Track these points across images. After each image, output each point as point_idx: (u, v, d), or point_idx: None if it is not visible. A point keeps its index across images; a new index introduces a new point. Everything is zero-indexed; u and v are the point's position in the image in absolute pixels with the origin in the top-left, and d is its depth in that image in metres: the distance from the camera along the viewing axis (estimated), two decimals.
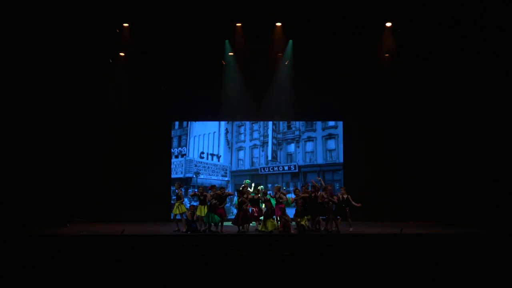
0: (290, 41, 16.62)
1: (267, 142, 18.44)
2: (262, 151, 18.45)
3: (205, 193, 14.20)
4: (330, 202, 13.75)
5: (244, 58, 17.11)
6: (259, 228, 13.98)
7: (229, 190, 17.25)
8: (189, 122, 18.49)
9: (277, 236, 12.81)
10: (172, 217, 14.95)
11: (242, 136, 18.63)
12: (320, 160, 18.21)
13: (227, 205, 16.32)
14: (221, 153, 18.56)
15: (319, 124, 18.34)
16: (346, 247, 7.90)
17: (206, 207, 13.94)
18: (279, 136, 18.49)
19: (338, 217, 13.97)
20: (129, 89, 17.19)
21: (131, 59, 16.82)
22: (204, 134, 18.62)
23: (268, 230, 13.63)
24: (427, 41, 15.78)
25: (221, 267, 6.50)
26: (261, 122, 18.50)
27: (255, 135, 18.57)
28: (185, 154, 18.41)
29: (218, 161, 18.52)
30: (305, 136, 18.36)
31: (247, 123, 18.62)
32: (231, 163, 18.53)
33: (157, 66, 17.10)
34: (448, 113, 16.66)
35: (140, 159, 17.59)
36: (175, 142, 18.53)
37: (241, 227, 13.94)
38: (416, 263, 6.82)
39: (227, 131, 18.60)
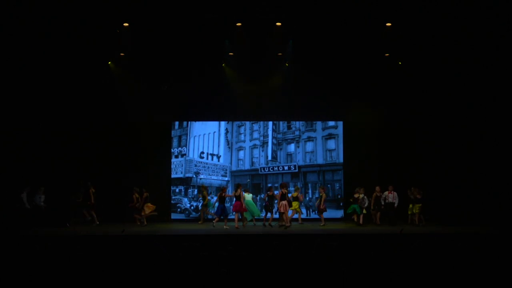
0: (290, 41, 16.60)
1: (267, 142, 18.44)
2: (262, 151, 18.46)
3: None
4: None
5: (244, 58, 17.10)
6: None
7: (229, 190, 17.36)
8: (189, 122, 18.50)
9: (277, 236, 12.82)
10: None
11: (242, 136, 18.63)
12: (320, 160, 18.22)
13: (227, 205, 16.38)
14: (221, 153, 18.56)
15: (319, 124, 18.34)
16: (346, 247, 7.90)
17: None
18: (279, 136, 18.49)
19: None
20: (129, 89, 17.21)
21: (131, 59, 16.83)
22: (204, 134, 18.62)
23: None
24: (427, 42, 15.75)
25: (221, 267, 6.50)
26: (261, 122, 18.50)
27: (255, 135, 18.57)
28: (185, 154, 18.42)
29: (218, 161, 18.52)
30: (305, 136, 18.36)
31: (247, 123, 18.63)
32: (231, 163, 18.54)
33: (157, 66, 17.12)
34: (448, 113, 16.67)
35: (140, 159, 17.60)
36: (175, 142, 18.53)
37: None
38: (416, 263, 6.82)
39: (227, 131, 18.60)
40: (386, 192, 16.15)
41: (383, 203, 16.05)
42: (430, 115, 17.04)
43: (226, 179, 18.32)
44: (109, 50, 16.39)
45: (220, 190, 16.07)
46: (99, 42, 15.68)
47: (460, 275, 6.39)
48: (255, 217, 16.50)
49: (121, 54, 16.72)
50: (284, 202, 15.27)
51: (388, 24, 14.94)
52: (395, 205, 16.01)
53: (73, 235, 13.06)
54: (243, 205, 15.65)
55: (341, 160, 18.07)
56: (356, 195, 16.22)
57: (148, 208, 16.05)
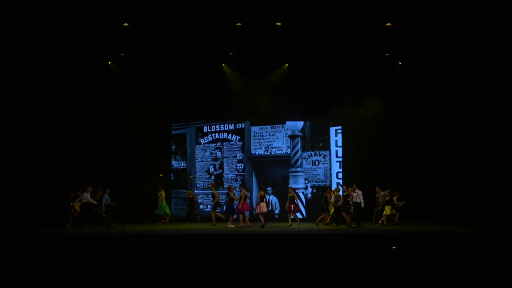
0: (290, 42, 16.58)
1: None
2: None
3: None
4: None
5: (244, 58, 17.11)
6: None
7: None
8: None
9: (277, 236, 12.82)
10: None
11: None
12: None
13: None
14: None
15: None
16: (346, 247, 7.90)
17: None
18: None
19: None
20: (129, 89, 17.23)
21: (131, 59, 16.84)
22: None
23: None
24: (427, 42, 15.76)
25: (221, 267, 6.51)
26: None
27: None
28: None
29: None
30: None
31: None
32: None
33: (157, 66, 17.13)
34: (448, 113, 16.65)
35: (140, 159, 17.61)
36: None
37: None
38: (416, 263, 6.82)
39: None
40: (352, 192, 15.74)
41: (350, 203, 15.68)
42: (430, 115, 17.03)
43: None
44: (109, 50, 16.40)
45: (228, 189, 16.24)
46: (99, 42, 15.68)
47: (460, 275, 6.39)
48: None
49: (121, 54, 16.74)
50: (263, 204, 15.63)
51: (388, 24, 14.93)
52: (362, 205, 15.57)
53: (73, 235, 13.09)
54: (248, 205, 16.03)
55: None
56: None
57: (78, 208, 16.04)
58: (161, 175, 17.61)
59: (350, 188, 15.87)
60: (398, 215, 15.94)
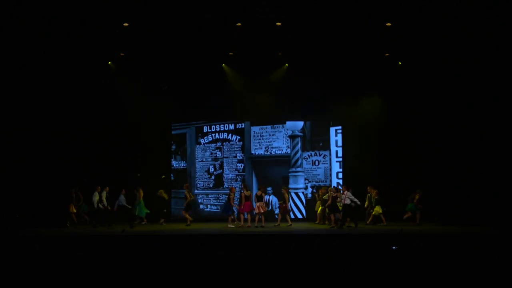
0: (290, 42, 16.58)
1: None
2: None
3: None
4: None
5: (244, 58, 17.10)
6: None
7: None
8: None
9: (277, 236, 12.83)
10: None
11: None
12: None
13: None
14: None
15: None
16: (346, 247, 7.90)
17: None
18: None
19: None
20: (129, 89, 17.22)
21: (131, 59, 16.84)
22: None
23: None
24: (427, 42, 15.75)
25: (221, 267, 6.51)
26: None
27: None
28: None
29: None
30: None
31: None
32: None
33: (157, 66, 17.12)
34: (448, 113, 16.65)
35: (140, 160, 17.60)
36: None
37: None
38: (416, 263, 6.82)
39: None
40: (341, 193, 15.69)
41: (339, 204, 15.60)
42: (430, 115, 17.02)
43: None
44: (109, 50, 16.40)
45: (229, 190, 16.30)
46: (99, 42, 15.67)
47: (460, 275, 6.39)
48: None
49: (121, 54, 16.74)
50: (260, 204, 15.66)
51: (388, 24, 14.92)
52: (358, 203, 15.42)
53: (73, 235, 13.09)
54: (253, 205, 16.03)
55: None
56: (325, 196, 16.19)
57: (71, 207, 16.00)
58: (138, 174, 17.47)
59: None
60: (419, 215, 15.86)
